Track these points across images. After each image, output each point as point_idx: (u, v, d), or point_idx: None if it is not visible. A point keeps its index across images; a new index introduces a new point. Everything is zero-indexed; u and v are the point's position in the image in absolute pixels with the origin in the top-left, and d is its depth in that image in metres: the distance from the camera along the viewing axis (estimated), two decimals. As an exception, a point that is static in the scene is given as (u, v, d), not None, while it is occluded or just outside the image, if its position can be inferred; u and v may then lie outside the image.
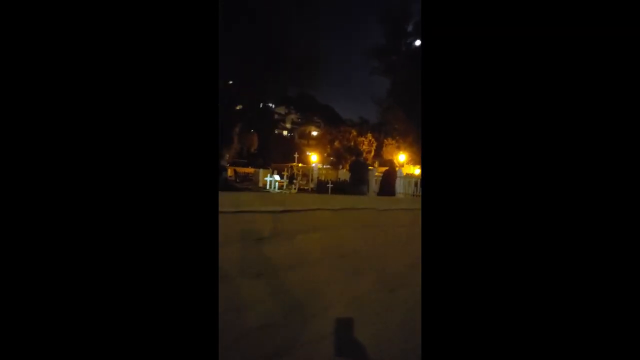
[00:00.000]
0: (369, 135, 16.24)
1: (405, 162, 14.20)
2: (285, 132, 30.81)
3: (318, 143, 22.85)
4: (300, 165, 14.10)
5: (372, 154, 16.27)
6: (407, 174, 8.31)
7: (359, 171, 6.18)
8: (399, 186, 7.60)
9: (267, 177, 9.39)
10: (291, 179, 9.98)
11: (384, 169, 10.56)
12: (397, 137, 14.65)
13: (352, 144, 16.68)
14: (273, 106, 34.45)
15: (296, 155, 13.57)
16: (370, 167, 6.35)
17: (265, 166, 13.81)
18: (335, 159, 16.60)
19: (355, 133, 16.64)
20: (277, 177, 9.70)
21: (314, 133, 27.62)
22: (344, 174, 10.40)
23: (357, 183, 6.12)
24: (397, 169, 7.80)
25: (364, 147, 16.48)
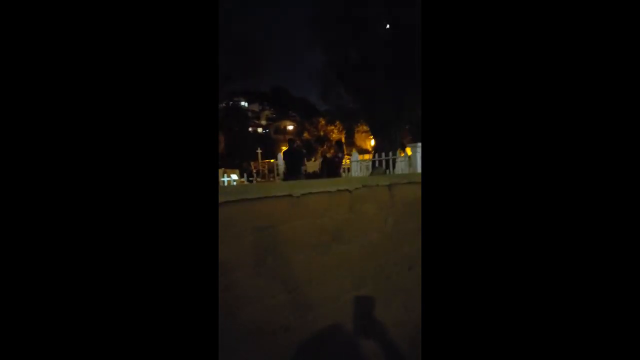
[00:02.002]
0: (338, 123, 15.72)
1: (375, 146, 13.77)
2: (260, 129, 30.01)
3: (294, 137, 22.40)
4: (272, 160, 13.66)
5: (343, 141, 15.81)
6: (361, 159, 7.93)
7: (293, 159, 5.75)
8: (355, 170, 7.19)
9: (223, 177, 8.86)
10: (248, 176, 9.47)
11: (368, 156, 10.19)
12: (343, 119, 14.10)
13: (321, 133, 16.18)
14: (246, 104, 33.61)
15: (259, 151, 13.02)
16: (339, 155, 5.84)
17: (241, 166, 13.33)
18: (305, 150, 16.09)
19: (323, 122, 16.12)
20: (234, 177, 9.18)
21: (290, 127, 26.96)
22: (313, 165, 9.97)
23: (291, 171, 5.70)
24: (344, 153, 7.37)
25: (333, 135, 15.98)
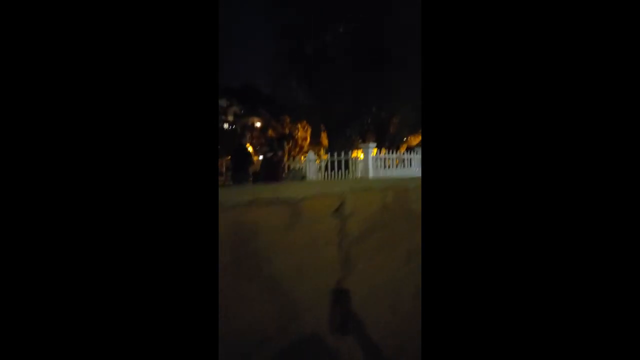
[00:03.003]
0: (304, 121, 15.38)
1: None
2: (226, 126, 28.93)
3: (261, 135, 21.83)
4: (229, 158, 13.09)
5: (308, 140, 15.47)
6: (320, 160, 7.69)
7: (240, 159, 5.43)
8: (311, 171, 6.91)
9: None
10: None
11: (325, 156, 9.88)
12: (303, 116, 13.79)
13: (286, 131, 15.80)
14: (212, 99, 32.27)
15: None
16: (278, 154, 5.52)
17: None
18: (268, 148, 15.61)
19: (288, 119, 15.72)
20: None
21: (258, 124, 26.19)
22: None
23: (238, 172, 5.39)
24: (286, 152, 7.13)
25: (299, 133, 15.65)
